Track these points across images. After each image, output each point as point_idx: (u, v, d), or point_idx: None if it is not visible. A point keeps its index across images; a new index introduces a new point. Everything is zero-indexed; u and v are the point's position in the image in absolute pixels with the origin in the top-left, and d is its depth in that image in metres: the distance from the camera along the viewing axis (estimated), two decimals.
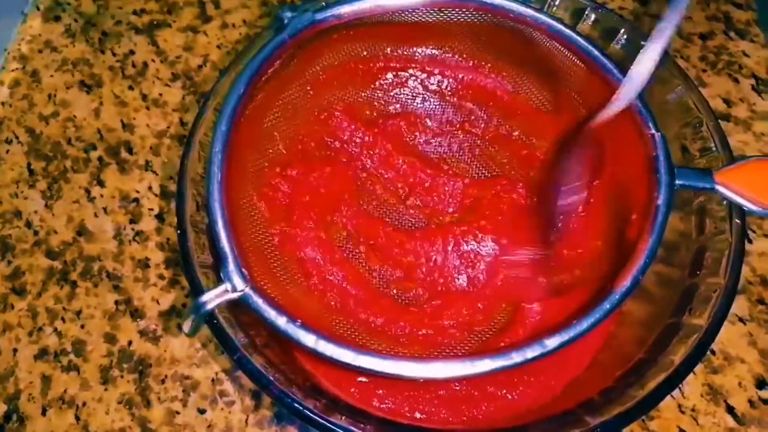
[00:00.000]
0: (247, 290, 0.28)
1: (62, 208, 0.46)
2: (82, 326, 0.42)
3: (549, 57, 0.37)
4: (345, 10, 0.35)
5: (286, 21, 0.35)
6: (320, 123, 0.41)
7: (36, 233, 0.45)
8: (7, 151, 0.49)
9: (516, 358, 0.28)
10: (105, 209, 0.46)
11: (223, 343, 0.30)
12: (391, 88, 0.43)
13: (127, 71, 0.52)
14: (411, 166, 0.42)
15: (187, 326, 0.29)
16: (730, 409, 0.38)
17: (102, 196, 0.47)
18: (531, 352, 0.28)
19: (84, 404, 0.40)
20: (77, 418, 0.39)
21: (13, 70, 0.52)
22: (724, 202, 0.33)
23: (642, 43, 0.38)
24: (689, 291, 0.33)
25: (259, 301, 0.29)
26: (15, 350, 0.41)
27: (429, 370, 0.28)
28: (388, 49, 0.42)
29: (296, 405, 0.28)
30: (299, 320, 0.28)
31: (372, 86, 0.43)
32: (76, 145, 0.49)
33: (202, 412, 0.39)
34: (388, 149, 0.42)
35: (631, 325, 0.36)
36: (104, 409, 0.40)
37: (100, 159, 0.48)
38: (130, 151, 0.48)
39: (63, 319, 0.42)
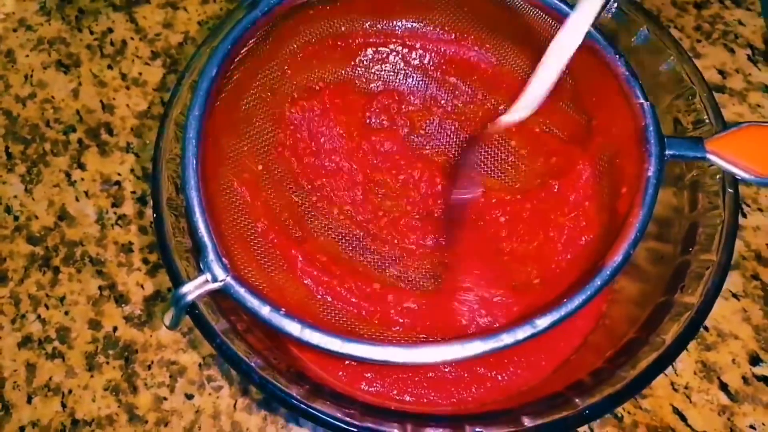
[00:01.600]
0: (228, 280, 0.28)
1: (42, 193, 0.45)
2: (66, 313, 0.41)
3: (534, 27, 0.36)
4: None
5: None
6: (299, 105, 0.40)
7: (16, 218, 0.44)
8: None
9: (506, 339, 0.27)
10: (86, 193, 0.45)
11: (203, 331, 0.29)
12: (371, 64, 0.41)
13: (105, 50, 0.50)
14: (396, 148, 0.41)
15: (167, 319, 0.28)
16: (724, 386, 0.38)
17: (83, 179, 0.46)
18: (522, 333, 0.28)
19: (70, 392, 0.39)
20: (63, 406, 0.39)
21: None
22: (717, 177, 0.32)
23: (629, 12, 0.37)
24: (681, 268, 0.32)
25: (240, 291, 0.28)
26: None
27: (418, 355, 0.27)
28: (367, 24, 0.40)
29: (278, 392, 0.27)
30: (283, 309, 0.27)
31: (352, 63, 0.41)
32: (55, 128, 0.47)
33: (189, 397, 0.39)
34: (369, 131, 0.41)
35: (623, 303, 0.35)
36: (90, 396, 0.39)
37: (80, 141, 0.47)
38: (110, 132, 0.47)
39: (46, 306, 0.42)
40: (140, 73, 0.49)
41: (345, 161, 0.40)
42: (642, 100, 0.32)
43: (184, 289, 0.27)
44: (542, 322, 0.28)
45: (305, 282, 0.35)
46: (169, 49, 0.50)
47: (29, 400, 0.39)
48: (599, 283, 0.29)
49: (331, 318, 0.34)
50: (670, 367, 0.38)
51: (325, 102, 0.40)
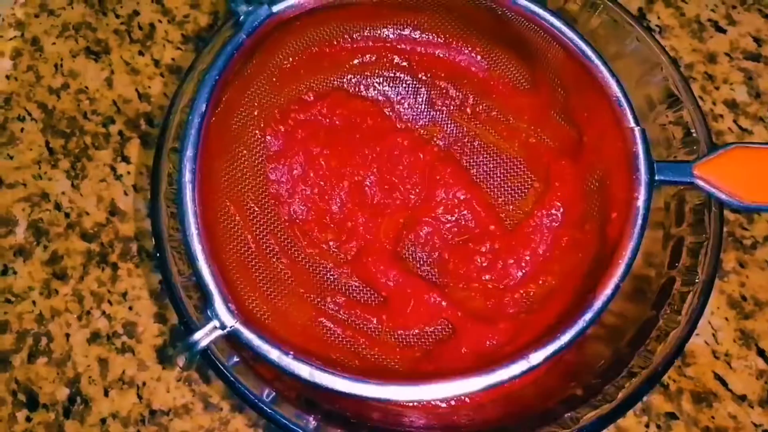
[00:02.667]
0: (237, 326, 0.29)
1: (90, 188, 0.45)
2: (130, 308, 0.43)
3: (524, 36, 0.36)
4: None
5: (241, 16, 0.33)
6: (289, 118, 0.39)
7: (67, 215, 0.45)
8: (22, 130, 0.47)
9: (502, 375, 0.29)
10: (135, 187, 0.45)
11: (214, 369, 0.31)
12: (362, 71, 0.40)
13: (134, 34, 0.49)
14: (391, 153, 0.40)
15: (180, 362, 0.30)
16: (761, 352, 0.41)
17: (129, 173, 0.46)
18: (517, 368, 0.29)
19: (144, 384, 0.41)
20: (139, 397, 0.41)
21: (11, 39, 0.49)
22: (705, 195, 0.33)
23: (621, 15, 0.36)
24: (667, 284, 0.33)
25: (249, 336, 0.29)
26: (67, 335, 0.42)
27: (421, 393, 0.29)
28: (356, 35, 0.39)
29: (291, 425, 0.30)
30: (291, 353, 0.29)
31: (342, 70, 0.40)
32: (93, 120, 0.47)
33: None
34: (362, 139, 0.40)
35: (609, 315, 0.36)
36: (165, 388, 0.41)
37: (120, 133, 0.47)
38: (150, 123, 0.47)
39: (110, 302, 0.43)
40: (173, 59, 0.49)
41: (339, 171, 0.40)
42: (633, 125, 0.31)
43: (195, 336, 0.29)
44: (536, 358, 0.29)
45: (309, 303, 0.36)
46: (199, 31, 0.49)
47: (106, 393, 0.41)
48: (590, 316, 0.29)
49: (335, 339, 0.36)
50: (711, 336, 0.41)
51: (316, 112, 0.40)
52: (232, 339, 0.30)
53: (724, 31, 0.48)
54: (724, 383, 0.40)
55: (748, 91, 0.47)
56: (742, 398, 0.40)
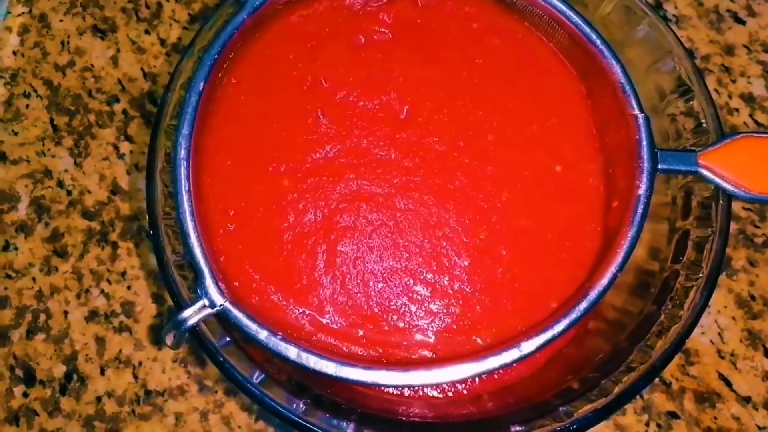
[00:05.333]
0: (226, 305, 0.29)
1: (92, 166, 0.45)
2: (129, 287, 0.43)
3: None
4: None
5: None
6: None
7: (69, 193, 0.45)
8: (27, 106, 0.47)
9: (493, 362, 0.28)
10: (136, 166, 0.45)
11: (205, 350, 0.30)
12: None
13: (141, 13, 0.49)
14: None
15: (169, 340, 0.29)
16: None
17: (131, 152, 0.46)
18: (509, 356, 0.28)
19: (140, 364, 0.41)
20: (135, 377, 0.41)
21: (19, 15, 0.49)
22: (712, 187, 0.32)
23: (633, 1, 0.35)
24: (670, 278, 0.32)
25: (238, 315, 0.29)
26: (66, 312, 0.42)
27: (410, 378, 0.28)
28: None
29: (279, 408, 0.29)
30: (280, 333, 0.28)
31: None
32: (98, 98, 0.47)
33: None
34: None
35: (614, 305, 0.36)
36: (160, 368, 0.41)
37: (124, 112, 0.46)
38: (154, 102, 0.47)
39: (108, 281, 0.43)
40: (179, 38, 0.48)
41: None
42: (636, 111, 0.31)
43: (185, 314, 0.29)
44: (528, 346, 0.28)
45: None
46: (206, 11, 0.49)
47: (102, 372, 0.41)
48: (585, 306, 0.29)
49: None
50: (717, 335, 0.40)
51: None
52: (223, 319, 0.30)
53: (743, 23, 0.47)
54: (728, 384, 0.39)
55: (766, 85, 0.45)
56: (747, 400, 0.39)
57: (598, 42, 0.31)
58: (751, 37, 0.46)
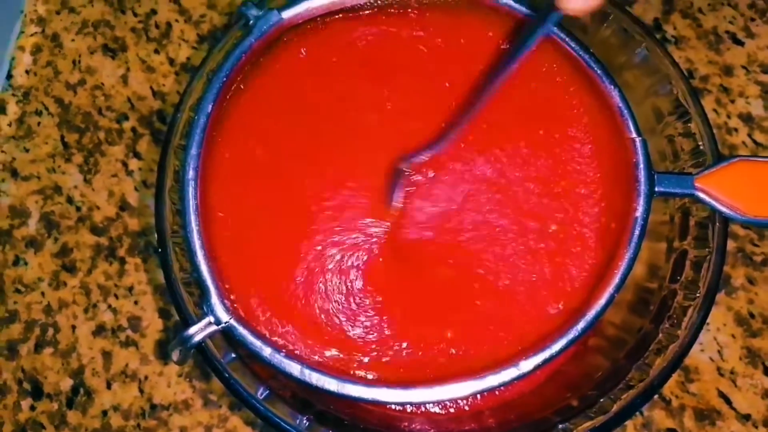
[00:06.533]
0: (231, 322, 0.29)
1: (101, 183, 0.46)
2: (136, 302, 0.43)
3: None
4: (315, 4, 0.33)
5: (251, 20, 0.33)
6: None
7: (78, 209, 0.46)
8: (39, 124, 0.48)
9: (492, 381, 0.29)
10: (145, 183, 0.46)
11: (210, 365, 0.31)
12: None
13: (150, 33, 0.50)
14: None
15: (175, 356, 0.30)
16: None
17: (140, 169, 0.46)
18: (507, 375, 0.29)
19: (146, 378, 0.42)
20: (141, 391, 0.41)
21: (32, 35, 0.50)
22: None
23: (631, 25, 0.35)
24: (668, 298, 0.33)
25: (243, 333, 0.29)
26: (73, 327, 0.43)
27: (410, 396, 0.29)
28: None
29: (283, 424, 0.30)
30: (283, 350, 0.29)
31: None
32: (108, 116, 0.48)
33: None
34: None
35: (611, 326, 0.36)
36: (166, 383, 0.41)
37: (133, 130, 0.47)
38: (163, 120, 0.48)
39: (116, 296, 0.43)
40: (188, 58, 0.49)
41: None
42: (634, 135, 0.31)
43: (191, 330, 0.29)
44: (526, 365, 0.29)
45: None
46: (215, 31, 0.50)
47: (108, 386, 0.42)
48: (582, 326, 0.29)
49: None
50: (716, 352, 0.40)
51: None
52: (228, 336, 0.30)
53: (741, 44, 0.48)
54: (728, 401, 0.39)
55: (764, 105, 0.46)
56: (746, 417, 0.39)
57: (596, 67, 0.32)
58: (750, 57, 0.47)
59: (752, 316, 0.41)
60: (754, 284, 0.42)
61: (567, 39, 0.33)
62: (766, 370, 0.40)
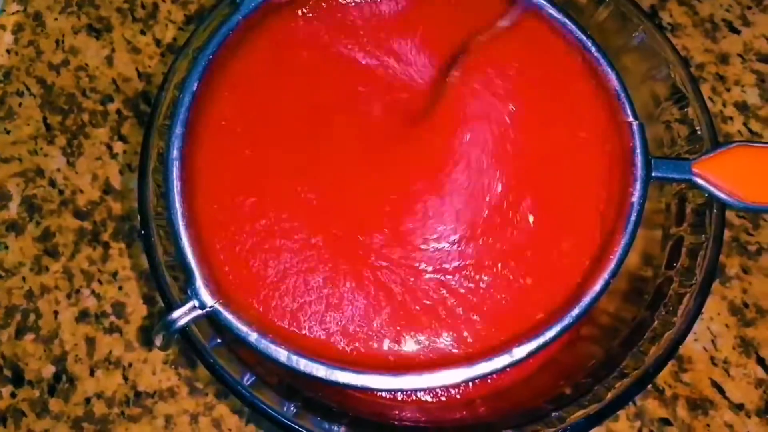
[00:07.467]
0: (217, 306, 0.28)
1: (85, 166, 0.45)
2: (120, 288, 0.42)
3: None
4: None
5: None
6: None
7: (61, 192, 0.44)
8: (20, 105, 0.46)
9: (484, 368, 0.28)
10: (129, 166, 0.45)
11: (194, 350, 0.30)
12: None
13: (136, 13, 0.49)
14: None
15: (158, 341, 0.29)
16: (761, 361, 0.40)
17: (125, 152, 0.45)
18: (500, 362, 0.28)
19: (130, 365, 0.41)
20: (125, 378, 0.40)
21: (14, 13, 0.49)
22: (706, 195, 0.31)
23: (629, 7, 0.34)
24: (664, 284, 0.32)
25: (228, 317, 0.28)
26: (56, 312, 0.42)
27: (400, 383, 0.28)
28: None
29: (269, 411, 0.29)
30: (270, 335, 0.28)
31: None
32: (92, 97, 0.47)
33: None
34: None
35: (607, 312, 0.35)
36: (151, 370, 0.41)
37: (118, 112, 0.46)
38: (149, 102, 0.46)
39: (99, 281, 0.42)
40: (175, 39, 0.48)
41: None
42: (631, 119, 0.30)
43: (174, 315, 0.28)
44: (519, 352, 0.28)
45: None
46: (202, 12, 0.49)
47: (92, 373, 0.41)
48: (577, 312, 0.28)
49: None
50: (710, 342, 0.40)
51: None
52: (213, 321, 0.29)
53: (738, 32, 0.47)
54: (721, 391, 0.39)
55: (760, 93, 0.46)
56: (740, 407, 0.39)
57: (594, 49, 0.31)
58: (746, 46, 0.47)
59: (746, 305, 0.41)
60: (749, 273, 0.41)
61: (563, 19, 0.32)
62: (760, 359, 0.40)
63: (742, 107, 0.45)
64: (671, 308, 0.31)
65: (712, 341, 0.40)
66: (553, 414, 0.29)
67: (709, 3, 0.48)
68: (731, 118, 0.45)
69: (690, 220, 0.32)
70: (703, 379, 0.39)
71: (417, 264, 0.32)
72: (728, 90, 0.46)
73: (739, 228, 0.42)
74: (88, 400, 0.40)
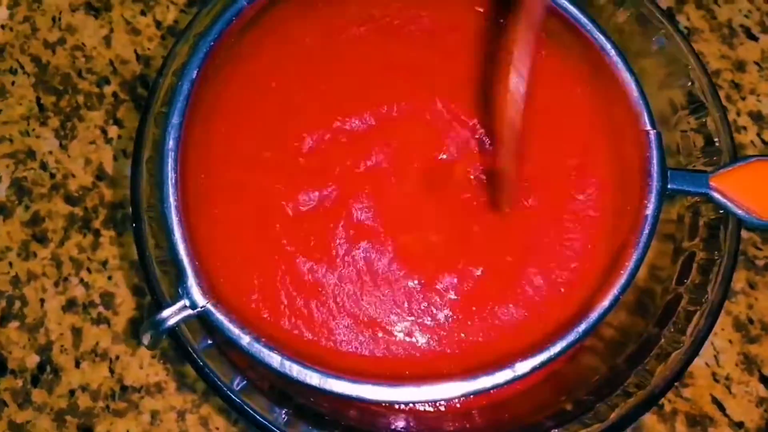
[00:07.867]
0: (209, 306, 0.27)
1: (78, 150, 0.44)
2: (110, 278, 0.41)
3: None
4: None
5: None
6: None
7: (53, 176, 0.43)
8: (13, 83, 0.45)
9: (485, 382, 0.27)
10: (124, 152, 0.43)
11: (183, 353, 0.29)
12: None
13: None
14: None
15: (146, 340, 0.28)
16: (764, 379, 0.39)
17: (120, 137, 0.44)
18: (502, 377, 0.27)
19: (117, 358, 0.40)
20: (111, 371, 0.39)
21: None
22: (722, 211, 0.31)
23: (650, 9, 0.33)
24: (673, 301, 0.31)
25: (220, 318, 0.27)
26: (42, 300, 0.40)
27: (397, 394, 0.27)
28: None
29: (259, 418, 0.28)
30: (263, 338, 0.27)
31: None
32: (88, 78, 0.45)
33: None
34: None
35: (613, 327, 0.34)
36: (138, 364, 0.39)
37: (114, 95, 0.45)
38: (146, 86, 0.45)
39: (89, 270, 0.41)
40: (176, 21, 0.46)
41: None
42: (649, 127, 0.29)
43: (164, 314, 0.27)
44: (522, 367, 0.27)
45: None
46: None
47: (77, 364, 0.39)
48: (584, 327, 0.28)
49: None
50: (713, 357, 0.39)
51: None
52: (205, 321, 0.28)
53: (756, 39, 0.46)
54: (721, 408, 0.38)
55: None
56: (739, 425, 0.38)
57: (613, 52, 0.30)
58: (764, 54, 0.45)
59: (751, 321, 0.40)
60: (755, 289, 0.40)
61: (582, 20, 0.31)
62: (763, 377, 0.39)
63: (757, 117, 0.44)
64: (680, 326, 0.29)
65: (715, 357, 0.39)
66: (554, 431, 0.28)
67: (727, 7, 0.47)
68: (745, 128, 0.44)
69: (703, 234, 0.31)
70: (704, 395, 0.39)
71: (418, 275, 0.31)
72: (743, 99, 0.45)
73: (747, 242, 0.41)
74: (72, 393, 0.39)
